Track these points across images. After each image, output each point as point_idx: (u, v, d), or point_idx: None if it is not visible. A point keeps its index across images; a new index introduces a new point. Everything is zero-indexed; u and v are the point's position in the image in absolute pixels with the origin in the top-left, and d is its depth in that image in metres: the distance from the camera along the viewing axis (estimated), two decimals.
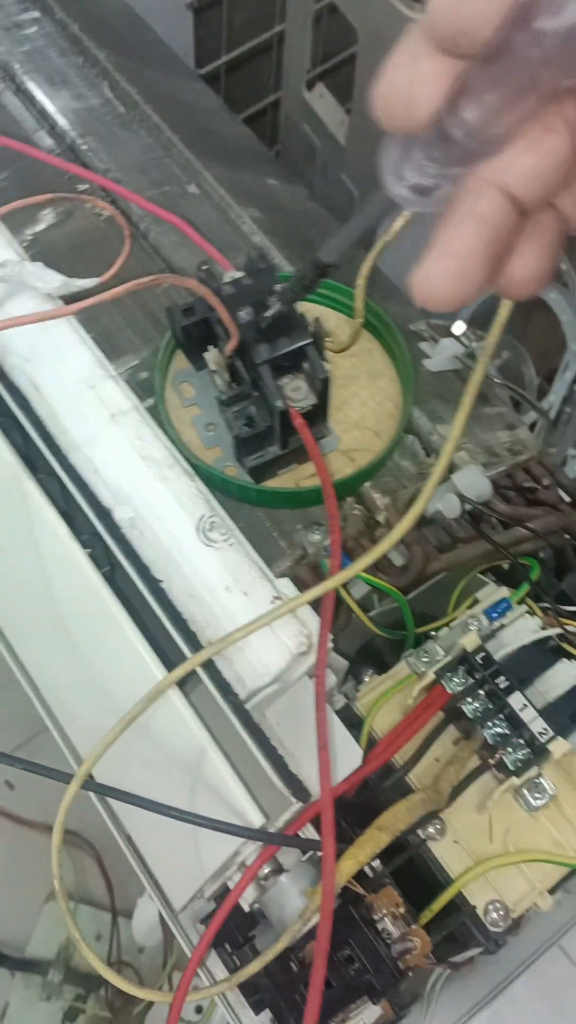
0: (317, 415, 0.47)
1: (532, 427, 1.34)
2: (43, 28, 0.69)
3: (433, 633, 0.53)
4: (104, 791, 0.43)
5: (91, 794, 0.50)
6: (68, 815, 0.44)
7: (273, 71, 1.63)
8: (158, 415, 0.51)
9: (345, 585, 0.50)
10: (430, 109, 0.25)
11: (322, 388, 0.44)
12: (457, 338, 0.93)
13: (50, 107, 0.64)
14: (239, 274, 0.46)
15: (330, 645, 0.46)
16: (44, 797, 1.35)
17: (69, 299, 0.54)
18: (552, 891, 0.48)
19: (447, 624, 0.53)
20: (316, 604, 0.45)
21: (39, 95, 0.65)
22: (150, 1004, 1.24)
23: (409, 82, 0.25)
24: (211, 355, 0.47)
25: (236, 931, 0.48)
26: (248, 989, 0.48)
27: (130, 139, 0.63)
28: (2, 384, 0.51)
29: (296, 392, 0.44)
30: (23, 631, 0.51)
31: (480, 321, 1.44)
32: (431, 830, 0.47)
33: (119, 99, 0.67)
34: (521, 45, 0.22)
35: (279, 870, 0.44)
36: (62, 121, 0.63)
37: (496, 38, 0.23)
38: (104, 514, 0.49)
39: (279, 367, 0.44)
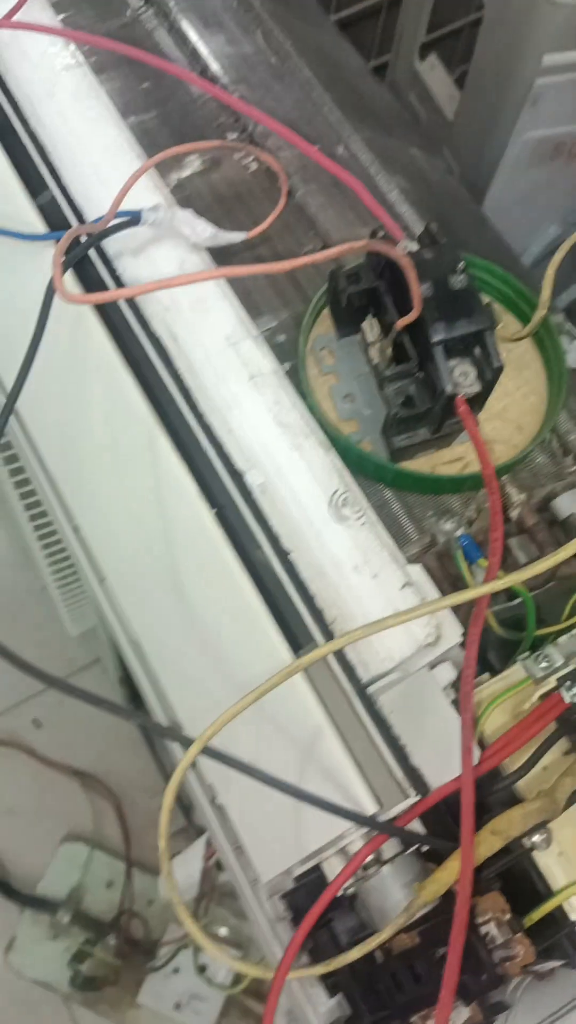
0: (476, 403, 0.45)
1: None
2: None
3: (561, 640, 0.52)
4: (220, 758, 0.42)
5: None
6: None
7: (378, 34, 1.59)
8: (297, 381, 0.50)
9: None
10: None
11: (492, 377, 0.43)
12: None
13: (203, 49, 0.62)
14: (414, 245, 0.44)
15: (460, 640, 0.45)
16: (71, 738, 1.36)
17: (216, 253, 0.52)
18: None
19: (567, 629, 0.51)
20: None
21: (192, 36, 0.62)
22: (152, 956, 1.25)
23: None
24: (370, 326, 0.45)
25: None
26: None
27: (283, 91, 0.61)
28: (143, 331, 0.50)
29: (464, 377, 0.43)
30: (134, 584, 0.50)
31: None
32: (537, 839, 0.46)
33: (272, 49, 0.64)
34: None
35: (379, 860, 0.43)
36: (215, 65, 0.61)
37: None
38: (236, 477, 0.47)
39: (451, 349, 0.42)
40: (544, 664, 0.49)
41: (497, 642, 0.54)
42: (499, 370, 0.42)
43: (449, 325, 0.41)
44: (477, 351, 0.42)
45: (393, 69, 1.50)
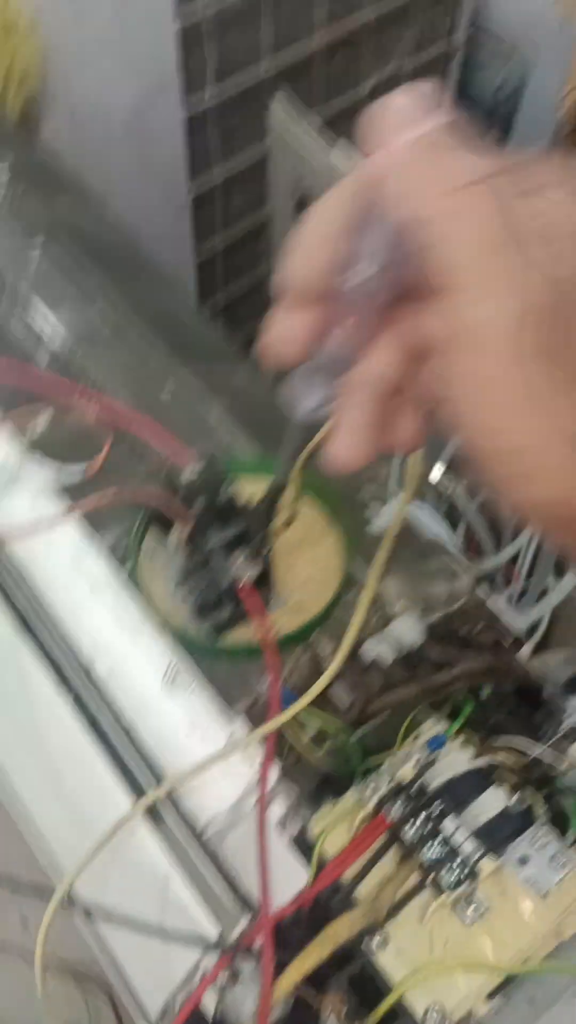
0: (264, 581, 0.56)
1: (513, 560, 1.42)
2: (48, 254, 0.83)
3: (384, 765, 0.60)
4: (79, 903, 0.50)
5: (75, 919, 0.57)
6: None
7: (268, 249, 1.82)
8: (133, 581, 0.61)
9: (300, 724, 0.58)
10: (306, 343, 0.36)
11: (266, 563, 0.54)
12: (434, 486, 1.04)
13: (50, 322, 0.77)
14: (198, 469, 0.56)
15: (277, 778, 0.54)
16: (60, 935, 1.37)
17: (60, 491, 0.65)
18: (490, 997, 0.53)
19: (392, 756, 0.60)
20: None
21: (41, 312, 0.78)
22: None
23: (288, 329, 0.36)
24: (172, 536, 0.57)
25: None
26: None
27: (118, 348, 0.75)
28: (1, 558, 0.61)
29: (244, 564, 0.54)
30: (17, 772, 0.59)
31: (459, 464, 1.54)
32: (376, 942, 0.53)
33: (110, 313, 0.80)
34: (344, 290, 0.33)
35: (238, 977, 0.51)
36: (60, 334, 0.76)
37: (328, 287, 0.34)
38: (86, 669, 0.58)
39: (228, 545, 0.54)
40: (371, 788, 0.58)
41: (345, 775, 0.63)
42: (267, 556, 0.54)
43: (220, 531, 0.53)
44: (251, 544, 0.54)
45: (277, 279, 1.70)
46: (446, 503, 1.43)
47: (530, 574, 1.47)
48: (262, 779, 0.50)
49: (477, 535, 1.47)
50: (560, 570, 1.48)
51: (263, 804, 0.49)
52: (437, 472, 1.06)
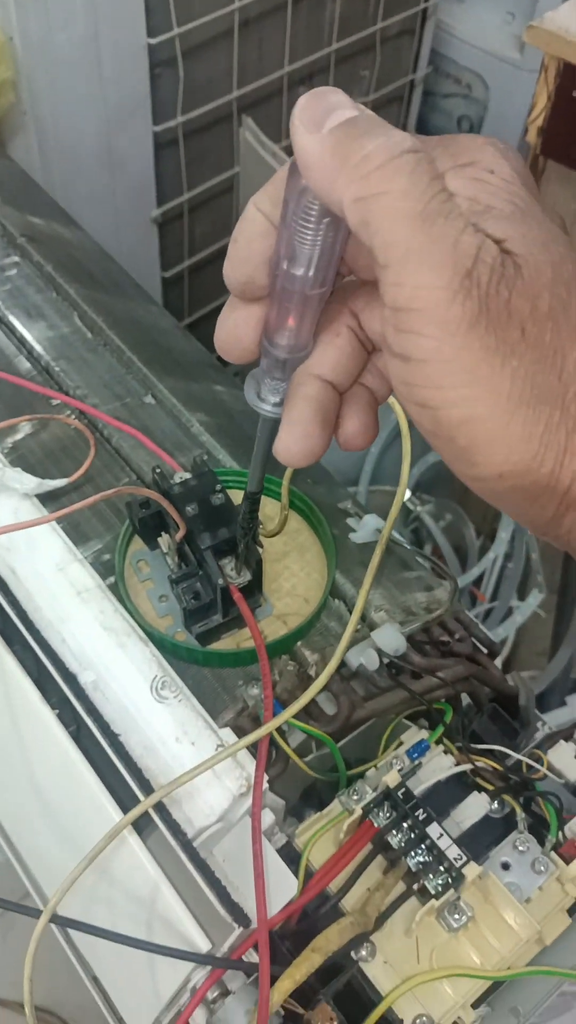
0: (253, 588, 0.56)
1: (478, 582, 1.45)
2: (22, 270, 0.83)
3: (365, 773, 0.61)
4: (67, 923, 0.49)
5: (65, 947, 0.56)
6: (40, 990, 0.49)
7: None
8: (118, 591, 0.60)
9: (283, 734, 0.58)
10: (253, 340, 0.37)
11: (256, 567, 0.54)
12: (405, 503, 1.04)
13: (28, 336, 0.76)
14: (187, 475, 0.56)
15: (267, 787, 0.53)
16: (15, 973, 1.34)
17: (43, 497, 0.64)
18: (475, 1005, 0.53)
19: (375, 765, 0.60)
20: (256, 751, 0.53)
21: (18, 326, 0.77)
22: None
23: (233, 327, 0.37)
24: (163, 540, 0.57)
25: None
26: None
27: (96, 361, 0.75)
28: None
29: (234, 571, 0.54)
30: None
31: (425, 486, 1.56)
32: (363, 953, 0.53)
33: (87, 327, 0.80)
34: (284, 284, 0.34)
35: (227, 992, 0.50)
36: (38, 347, 0.76)
37: (267, 282, 0.34)
38: (71, 678, 0.57)
39: (219, 551, 0.54)
40: (355, 797, 0.58)
41: (328, 786, 0.63)
42: (259, 561, 0.54)
43: (212, 534, 0.53)
44: (240, 551, 0.54)
45: None
46: (412, 524, 1.45)
47: (494, 596, 1.49)
48: (256, 784, 0.49)
49: (443, 556, 1.49)
50: (523, 592, 1.51)
51: (257, 810, 0.49)
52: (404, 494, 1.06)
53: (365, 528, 0.73)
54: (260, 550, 0.55)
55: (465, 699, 0.69)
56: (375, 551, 0.57)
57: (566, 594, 1.45)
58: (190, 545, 0.55)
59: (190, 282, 1.79)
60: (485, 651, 0.70)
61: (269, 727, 0.49)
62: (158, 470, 0.57)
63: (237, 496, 0.55)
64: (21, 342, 0.76)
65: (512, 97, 1.91)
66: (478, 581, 1.42)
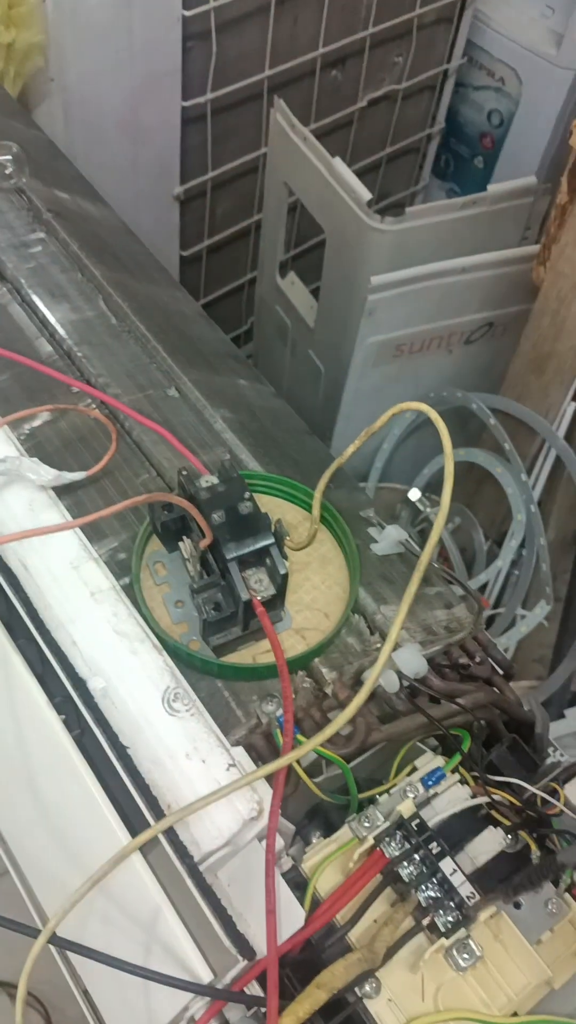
0: (275, 602, 0.54)
1: (483, 588, 1.42)
2: (47, 247, 0.79)
3: (377, 798, 0.58)
4: (66, 945, 0.47)
5: (52, 950, 0.53)
6: (14, 968, 0.47)
7: (251, 253, 1.81)
8: (132, 594, 0.58)
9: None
10: None
11: (281, 582, 0.51)
12: (414, 503, 1.03)
13: (51, 318, 0.73)
14: (214, 479, 0.54)
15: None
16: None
17: (59, 489, 0.61)
18: None
19: (387, 790, 0.58)
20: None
21: (41, 307, 0.74)
22: None
23: None
24: (185, 546, 0.54)
25: None
26: None
27: (120, 348, 0.72)
28: None
29: (259, 584, 0.52)
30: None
31: (434, 487, 1.55)
32: (367, 988, 0.51)
33: (112, 311, 0.76)
34: None
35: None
36: (61, 331, 0.73)
37: None
38: (79, 683, 0.54)
39: (245, 562, 0.51)
40: (367, 823, 0.56)
41: (335, 807, 0.61)
42: (285, 576, 0.51)
43: (239, 544, 0.51)
44: (268, 561, 0.51)
45: (260, 284, 1.69)
46: (420, 525, 1.42)
47: (497, 603, 1.47)
48: (272, 814, 0.47)
49: (449, 559, 1.46)
50: (527, 601, 1.49)
51: (271, 842, 0.47)
52: (414, 494, 1.04)
53: (386, 539, 0.70)
54: (286, 563, 0.52)
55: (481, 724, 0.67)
56: (411, 580, 0.54)
57: (572, 605, 1.43)
58: (214, 554, 0.52)
59: (208, 262, 1.76)
60: (501, 672, 0.68)
61: (290, 758, 0.47)
62: (184, 472, 0.55)
63: (261, 501, 0.53)
64: (43, 323, 0.73)
65: (545, 93, 1.87)
66: (483, 586, 1.40)
